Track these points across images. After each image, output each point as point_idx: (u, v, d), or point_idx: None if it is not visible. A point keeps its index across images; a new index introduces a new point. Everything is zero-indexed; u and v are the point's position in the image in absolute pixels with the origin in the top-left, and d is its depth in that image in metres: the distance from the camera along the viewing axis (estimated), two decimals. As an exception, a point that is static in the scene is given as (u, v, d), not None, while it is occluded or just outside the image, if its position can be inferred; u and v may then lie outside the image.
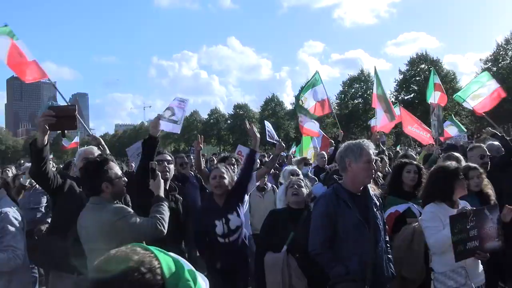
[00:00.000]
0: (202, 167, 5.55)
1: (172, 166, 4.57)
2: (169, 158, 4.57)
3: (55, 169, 5.25)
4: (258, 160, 10.51)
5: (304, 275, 3.90)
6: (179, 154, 7.43)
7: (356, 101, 56.26)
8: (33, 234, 4.75)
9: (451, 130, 13.37)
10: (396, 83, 53.05)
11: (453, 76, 50.62)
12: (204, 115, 77.64)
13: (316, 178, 7.88)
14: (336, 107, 51.83)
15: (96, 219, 3.07)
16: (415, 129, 12.96)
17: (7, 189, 3.92)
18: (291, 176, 5.23)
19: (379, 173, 7.36)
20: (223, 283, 4.33)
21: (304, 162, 8.70)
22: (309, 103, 10.36)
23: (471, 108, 10.12)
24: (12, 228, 3.53)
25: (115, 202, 3.29)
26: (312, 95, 10.47)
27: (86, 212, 3.19)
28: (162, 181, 3.50)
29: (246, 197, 5.83)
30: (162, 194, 3.41)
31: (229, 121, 69.15)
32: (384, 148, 12.85)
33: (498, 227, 3.56)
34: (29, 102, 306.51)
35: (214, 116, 72.49)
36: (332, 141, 11.77)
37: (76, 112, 3.33)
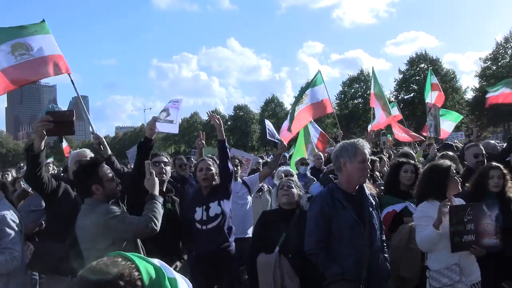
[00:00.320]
0: None
1: (169, 168, 4.59)
2: (165, 160, 4.60)
3: (55, 171, 5.30)
4: (261, 160, 10.56)
5: (297, 275, 3.90)
6: (178, 155, 7.46)
7: (356, 101, 56.21)
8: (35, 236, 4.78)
9: (447, 127, 13.29)
10: (395, 83, 53.05)
11: (452, 75, 50.59)
12: (204, 116, 77.53)
13: (315, 178, 7.91)
14: (336, 107, 51.77)
15: (89, 219, 3.14)
16: (397, 131, 13.14)
17: (5, 192, 3.95)
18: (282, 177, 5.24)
19: (377, 173, 7.38)
20: (205, 276, 4.32)
21: (301, 162, 8.73)
22: (307, 101, 10.36)
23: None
24: (9, 231, 3.56)
25: (109, 202, 3.33)
26: (313, 95, 10.45)
27: (81, 214, 3.26)
28: (156, 179, 3.52)
29: (249, 198, 5.85)
30: (156, 192, 3.43)
31: (229, 123, 69.04)
32: (384, 147, 12.88)
33: (496, 224, 3.58)
34: (29, 105, 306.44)
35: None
36: (330, 139, 11.78)
37: (74, 117, 3.35)
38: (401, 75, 52.54)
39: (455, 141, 12.89)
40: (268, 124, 8.11)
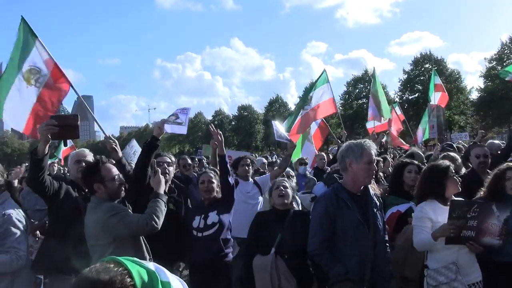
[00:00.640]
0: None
1: (172, 168, 4.62)
2: (168, 160, 4.63)
3: (61, 171, 5.35)
4: (265, 161, 10.54)
5: (293, 276, 3.89)
6: (182, 155, 7.50)
7: (360, 102, 56.08)
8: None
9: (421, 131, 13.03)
10: (400, 83, 52.90)
11: (457, 76, 50.38)
12: (208, 116, 77.69)
13: (315, 178, 7.92)
14: (341, 108, 51.70)
15: (93, 217, 3.23)
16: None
17: (11, 192, 3.97)
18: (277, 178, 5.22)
19: (381, 173, 7.37)
20: (200, 283, 4.33)
21: (300, 162, 8.73)
22: (314, 102, 10.32)
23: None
24: (15, 230, 3.58)
25: (114, 201, 3.38)
26: (319, 95, 10.42)
27: (87, 212, 3.35)
28: (162, 177, 3.54)
29: (261, 198, 5.83)
30: (161, 191, 3.45)
31: (233, 123, 69.11)
32: (388, 147, 12.85)
33: (503, 226, 3.55)
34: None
35: (218, 118, 72.45)
36: (333, 134, 11.72)
37: (79, 121, 3.38)
38: (406, 75, 52.37)
39: (460, 141, 12.86)
40: (275, 125, 8.11)
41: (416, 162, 5.02)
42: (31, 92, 5.09)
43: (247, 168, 5.86)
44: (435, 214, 3.60)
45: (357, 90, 56.66)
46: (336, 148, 9.73)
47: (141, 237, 3.43)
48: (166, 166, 4.48)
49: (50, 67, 5.25)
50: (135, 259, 1.17)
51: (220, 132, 4.69)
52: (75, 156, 4.30)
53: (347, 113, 52.86)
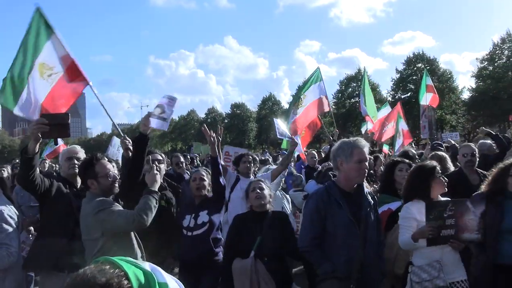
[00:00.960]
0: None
1: (163, 166, 4.62)
2: (160, 157, 4.62)
3: (53, 168, 5.28)
4: (270, 158, 10.52)
5: (272, 279, 3.88)
6: (175, 153, 7.48)
7: (353, 100, 56.24)
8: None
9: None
10: (393, 82, 53.11)
11: (449, 76, 50.67)
12: (201, 114, 77.53)
13: (302, 176, 7.94)
14: (334, 106, 51.80)
15: (83, 212, 3.26)
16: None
17: (3, 188, 3.95)
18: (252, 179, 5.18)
19: (371, 172, 7.43)
20: (189, 279, 4.30)
21: (274, 159, 8.75)
22: (307, 100, 10.32)
23: None
24: (6, 226, 3.57)
25: (108, 197, 3.38)
26: (313, 93, 10.42)
27: (81, 207, 3.37)
28: (158, 174, 3.52)
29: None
30: (155, 187, 3.44)
31: (226, 121, 68.98)
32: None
33: (480, 220, 3.62)
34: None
35: (211, 116, 72.34)
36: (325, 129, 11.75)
37: (70, 120, 3.36)
38: (398, 75, 52.60)
39: (449, 139, 12.95)
40: (277, 122, 8.09)
41: (407, 160, 5.06)
42: (43, 85, 4.81)
43: (248, 165, 5.86)
44: (420, 215, 3.63)
45: (350, 89, 56.79)
46: (329, 147, 9.77)
47: (132, 233, 3.42)
48: (157, 163, 4.47)
49: (66, 64, 4.90)
50: (130, 259, 1.14)
51: (214, 134, 4.66)
52: (66, 153, 4.28)
53: (339, 111, 52.99)
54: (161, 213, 4.32)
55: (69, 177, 4.10)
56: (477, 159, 5.57)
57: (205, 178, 4.58)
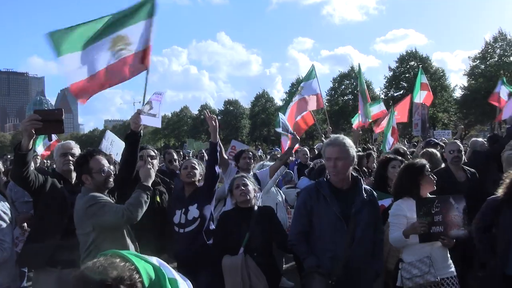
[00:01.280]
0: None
1: (156, 162, 4.60)
2: (152, 153, 4.61)
3: (44, 164, 5.23)
4: (279, 153, 10.50)
5: (264, 272, 3.88)
6: (168, 150, 7.45)
7: (346, 98, 56.40)
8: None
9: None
10: (385, 80, 53.31)
11: (442, 74, 50.97)
12: (194, 110, 77.40)
13: (292, 172, 7.96)
14: (326, 104, 51.91)
15: (77, 207, 3.28)
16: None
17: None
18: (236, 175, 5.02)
19: (364, 169, 7.47)
20: (186, 275, 4.27)
21: (272, 157, 8.79)
22: (303, 93, 10.38)
23: None
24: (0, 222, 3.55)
25: (101, 192, 3.39)
26: (306, 90, 10.46)
27: (76, 202, 3.39)
28: (150, 169, 3.50)
29: (260, 193, 5.81)
30: (147, 182, 3.42)
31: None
32: (374, 144, 12.99)
33: (463, 216, 3.68)
34: (16, 97, 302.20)
35: (204, 112, 72.24)
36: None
37: (63, 116, 3.34)
38: (391, 73, 52.82)
39: (443, 138, 13.05)
40: (282, 117, 8.10)
41: (399, 157, 5.10)
42: (106, 57, 4.65)
43: (248, 161, 5.84)
44: (410, 212, 3.67)
45: (343, 86, 56.95)
46: (322, 144, 9.80)
47: (125, 229, 3.42)
48: (149, 159, 4.45)
49: (142, 47, 4.84)
50: (138, 253, 1.11)
51: (215, 117, 4.58)
52: (60, 149, 4.25)
53: (332, 109, 53.07)
54: (156, 209, 4.33)
55: (64, 173, 4.08)
56: (463, 155, 5.62)
57: (196, 166, 4.48)
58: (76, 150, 4.21)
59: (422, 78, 13.54)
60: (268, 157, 11.22)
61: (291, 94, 10.82)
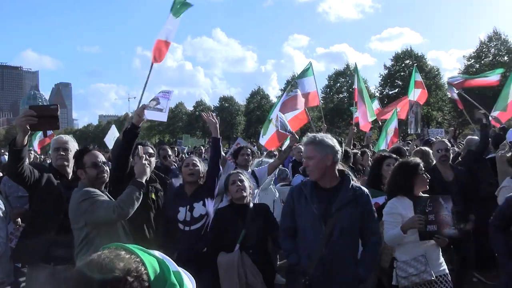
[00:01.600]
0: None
1: (153, 159, 4.57)
2: (151, 151, 4.58)
3: (37, 159, 5.20)
4: (279, 152, 10.51)
5: (259, 269, 3.88)
6: (162, 146, 7.43)
7: (341, 96, 56.45)
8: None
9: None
10: (381, 78, 53.42)
11: (436, 72, 51.13)
12: (189, 107, 77.20)
13: (287, 170, 7.98)
14: (322, 101, 51.93)
15: (71, 201, 3.29)
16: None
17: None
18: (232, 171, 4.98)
19: (359, 167, 7.49)
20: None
21: (269, 154, 8.80)
22: (295, 91, 10.39)
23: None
24: (-6, 217, 3.53)
25: (95, 187, 3.38)
26: (304, 85, 10.47)
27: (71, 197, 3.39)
28: (147, 165, 3.45)
29: (257, 190, 5.79)
30: (141, 178, 3.37)
31: (214, 114, 68.64)
32: (368, 143, 13.01)
33: (452, 216, 3.72)
34: (10, 91, 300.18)
35: (199, 108, 72.06)
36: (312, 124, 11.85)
37: (59, 112, 3.32)
38: (386, 71, 52.91)
39: (437, 137, 13.11)
40: (281, 116, 8.11)
41: (394, 155, 5.11)
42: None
43: (247, 157, 5.84)
44: (404, 210, 3.70)
45: (338, 84, 56.99)
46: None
47: (119, 225, 3.40)
48: (147, 156, 4.43)
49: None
50: (141, 247, 1.10)
51: (214, 114, 4.67)
52: (54, 143, 4.23)
53: (328, 106, 53.11)
54: (150, 206, 4.31)
55: (59, 168, 4.05)
56: (451, 154, 5.64)
57: (198, 164, 4.43)
58: (71, 144, 4.16)
59: (417, 76, 13.60)
60: (265, 153, 11.23)
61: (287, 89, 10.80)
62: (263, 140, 10.49)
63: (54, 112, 3.24)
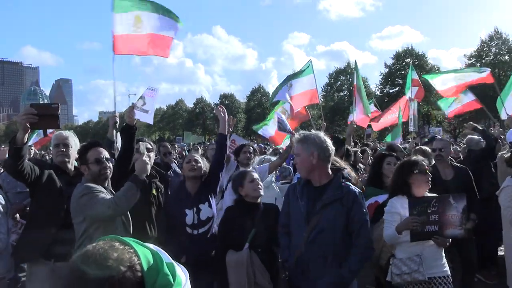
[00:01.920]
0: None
1: (152, 154, 4.56)
2: (149, 146, 4.58)
3: (37, 156, 5.21)
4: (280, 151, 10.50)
5: (266, 269, 3.85)
6: (163, 143, 7.44)
7: (341, 94, 56.47)
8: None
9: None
10: (381, 77, 53.41)
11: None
12: (189, 104, 77.22)
13: (290, 168, 7.97)
14: (322, 99, 51.91)
15: (73, 196, 3.29)
16: (383, 118, 13.20)
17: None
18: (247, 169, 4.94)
19: (360, 165, 7.48)
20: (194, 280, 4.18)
21: (274, 151, 8.80)
22: (292, 91, 10.35)
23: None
24: (-6, 212, 3.53)
25: (98, 183, 3.38)
26: (303, 83, 10.45)
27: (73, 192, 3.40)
28: (148, 162, 3.41)
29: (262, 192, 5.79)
30: (141, 175, 3.33)
31: (214, 111, 68.77)
32: (368, 140, 13.02)
33: (462, 216, 3.69)
34: (11, 87, 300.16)
35: (199, 106, 72.11)
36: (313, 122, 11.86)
37: (59, 111, 3.29)
38: (387, 69, 52.90)
39: (436, 135, 13.08)
40: (280, 116, 8.10)
41: (395, 154, 5.10)
42: (152, 23, 6.00)
43: (249, 155, 5.81)
44: (403, 209, 3.69)
45: (339, 82, 57.02)
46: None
47: (118, 221, 3.39)
48: (146, 152, 4.42)
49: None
50: (135, 239, 1.14)
51: (224, 109, 4.62)
52: (55, 139, 4.22)
53: (328, 105, 53.12)
54: (151, 202, 4.31)
55: (60, 164, 4.03)
56: (447, 153, 5.59)
57: (200, 161, 4.39)
58: (72, 139, 4.13)
59: (413, 74, 13.61)
60: (271, 150, 11.25)
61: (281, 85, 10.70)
62: (265, 131, 10.44)
63: (55, 111, 3.21)
